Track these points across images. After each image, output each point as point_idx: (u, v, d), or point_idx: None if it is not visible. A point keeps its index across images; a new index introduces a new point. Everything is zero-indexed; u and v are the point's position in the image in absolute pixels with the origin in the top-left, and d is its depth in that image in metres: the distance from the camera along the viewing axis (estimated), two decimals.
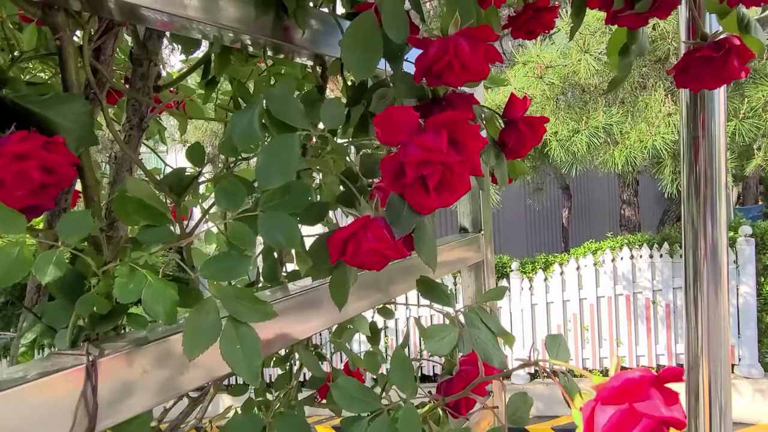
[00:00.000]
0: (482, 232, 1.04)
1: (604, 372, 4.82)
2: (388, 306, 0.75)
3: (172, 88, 0.87)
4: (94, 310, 0.42)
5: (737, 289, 4.32)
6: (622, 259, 4.65)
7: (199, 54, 0.76)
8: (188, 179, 0.51)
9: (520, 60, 3.89)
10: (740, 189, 8.12)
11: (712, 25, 0.72)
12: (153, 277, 0.42)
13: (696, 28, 0.74)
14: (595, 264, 4.73)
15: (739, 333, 4.36)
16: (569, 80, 3.35)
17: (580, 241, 5.67)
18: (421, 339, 0.56)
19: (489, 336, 0.59)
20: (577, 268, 4.79)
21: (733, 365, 4.43)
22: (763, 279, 4.38)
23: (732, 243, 4.26)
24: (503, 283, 5.05)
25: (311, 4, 0.64)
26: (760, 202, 9.11)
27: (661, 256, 4.55)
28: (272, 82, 0.80)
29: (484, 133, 0.76)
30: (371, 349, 0.80)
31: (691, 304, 0.98)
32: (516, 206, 6.18)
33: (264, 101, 0.45)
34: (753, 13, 0.78)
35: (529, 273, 5.01)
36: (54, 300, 0.46)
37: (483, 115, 0.74)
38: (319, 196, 0.56)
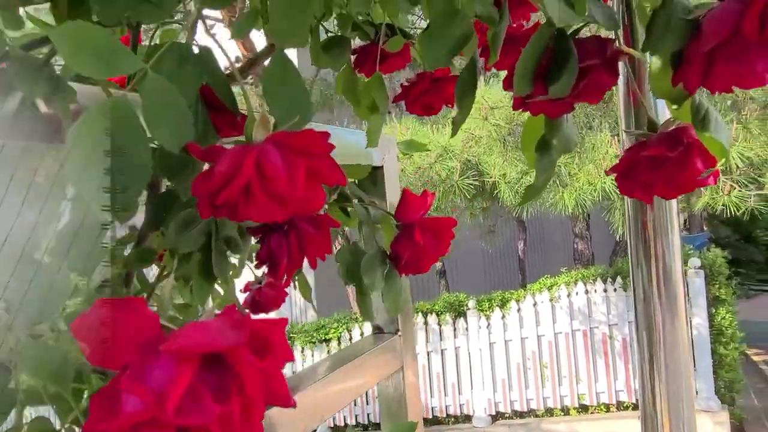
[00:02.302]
0: (399, 333, 0.84)
1: (566, 411, 4.68)
2: None
3: None
4: None
5: (690, 321, 4.32)
6: (577, 294, 4.60)
7: None
8: None
9: None
10: (686, 215, 8.38)
11: (658, 109, 0.55)
12: None
13: (638, 112, 0.56)
14: (551, 300, 4.66)
15: (695, 366, 4.33)
16: (516, 121, 3.27)
17: (537, 273, 5.62)
18: None
19: None
20: (534, 305, 4.71)
21: None
22: (714, 310, 4.40)
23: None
24: (460, 322, 4.88)
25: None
26: (705, 229, 9.40)
27: (615, 290, 4.53)
28: None
29: (378, 238, 0.57)
30: None
31: (644, 337, 0.81)
32: (471, 240, 6.10)
33: None
34: None
35: (486, 311, 4.87)
36: None
37: (372, 216, 0.55)
38: None
